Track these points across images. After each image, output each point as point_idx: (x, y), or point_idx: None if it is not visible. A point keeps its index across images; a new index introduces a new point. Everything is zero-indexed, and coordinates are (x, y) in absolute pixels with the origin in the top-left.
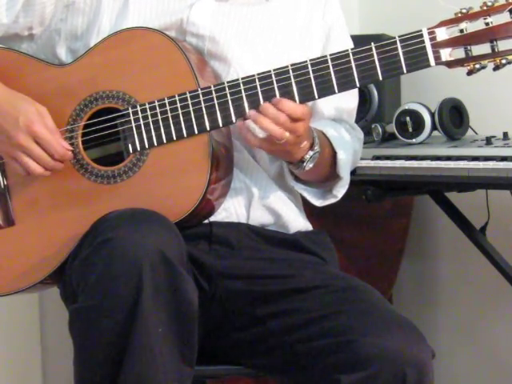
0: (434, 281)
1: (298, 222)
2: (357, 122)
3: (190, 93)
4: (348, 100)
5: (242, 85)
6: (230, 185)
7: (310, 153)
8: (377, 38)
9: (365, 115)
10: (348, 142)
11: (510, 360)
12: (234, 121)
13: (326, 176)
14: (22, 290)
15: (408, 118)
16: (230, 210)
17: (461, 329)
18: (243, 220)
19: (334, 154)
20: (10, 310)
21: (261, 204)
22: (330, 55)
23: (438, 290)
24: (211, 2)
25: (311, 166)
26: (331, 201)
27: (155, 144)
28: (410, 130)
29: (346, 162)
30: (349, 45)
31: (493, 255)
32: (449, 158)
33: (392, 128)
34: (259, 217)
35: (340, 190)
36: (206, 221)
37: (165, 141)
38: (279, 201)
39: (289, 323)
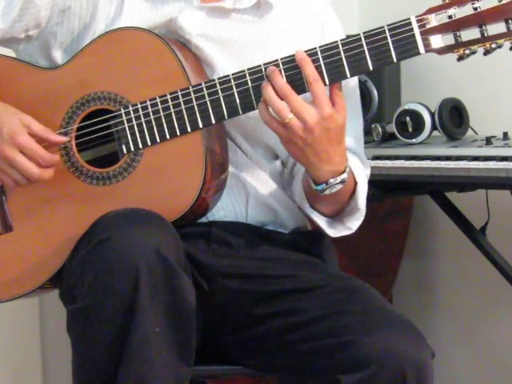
0: (434, 281)
1: (296, 219)
2: None
3: (181, 91)
4: (354, 124)
5: (232, 81)
6: (225, 182)
7: (336, 180)
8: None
9: (365, 115)
10: (364, 175)
11: (509, 360)
12: (226, 117)
13: (341, 207)
14: (22, 295)
15: (408, 118)
16: (229, 209)
17: (461, 329)
18: (242, 219)
19: (355, 185)
20: (10, 310)
21: (258, 202)
22: (320, 47)
23: (437, 290)
24: (202, 14)
25: (328, 192)
26: (345, 232)
27: (149, 144)
28: (410, 130)
29: (363, 194)
30: None
31: (493, 255)
32: (449, 158)
33: (392, 128)
34: (257, 215)
35: (355, 223)
36: (205, 220)
37: (158, 140)
38: (277, 197)
39: (288, 323)
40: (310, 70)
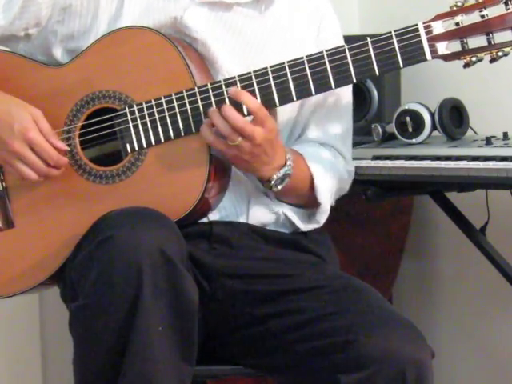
0: (434, 281)
1: (297, 219)
2: (357, 121)
3: (186, 91)
4: (340, 123)
5: (238, 82)
6: (228, 183)
7: (279, 173)
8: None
9: (365, 115)
10: (332, 168)
11: (509, 360)
12: None
13: (308, 200)
14: (23, 291)
15: (408, 118)
16: (230, 209)
17: (461, 329)
18: (243, 219)
19: (311, 179)
20: (10, 309)
21: (260, 202)
22: (326, 51)
23: (437, 290)
24: (205, 10)
25: (280, 187)
26: (314, 226)
27: (153, 143)
28: (410, 130)
29: (326, 187)
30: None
31: (493, 255)
32: (449, 158)
33: (392, 128)
34: (259, 216)
35: (322, 216)
36: (206, 220)
37: (163, 140)
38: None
39: (288, 323)
40: (248, 100)
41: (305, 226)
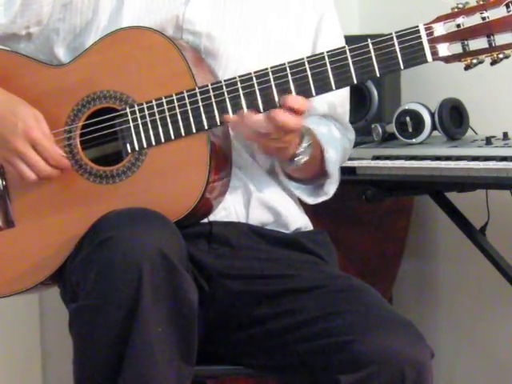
0: (434, 281)
1: (297, 219)
2: (357, 121)
3: (187, 92)
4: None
5: (239, 83)
6: (228, 183)
7: (304, 145)
8: (377, 38)
9: (365, 115)
10: (336, 139)
11: (509, 360)
12: None
13: (316, 173)
14: (23, 291)
15: (408, 118)
16: (230, 209)
17: (461, 329)
18: (243, 219)
19: (321, 151)
20: (10, 310)
21: (260, 203)
22: (327, 52)
23: (437, 290)
24: (206, 0)
25: (306, 159)
26: (323, 198)
27: (153, 143)
28: (410, 129)
29: (334, 158)
30: (339, 35)
31: (493, 255)
32: (449, 158)
33: (392, 128)
34: (259, 216)
35: (331, 187)
36: (206, 220)
37: (163, 140)
38: (278, 198)
39: (288, 323)
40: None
41: (313, 200)
